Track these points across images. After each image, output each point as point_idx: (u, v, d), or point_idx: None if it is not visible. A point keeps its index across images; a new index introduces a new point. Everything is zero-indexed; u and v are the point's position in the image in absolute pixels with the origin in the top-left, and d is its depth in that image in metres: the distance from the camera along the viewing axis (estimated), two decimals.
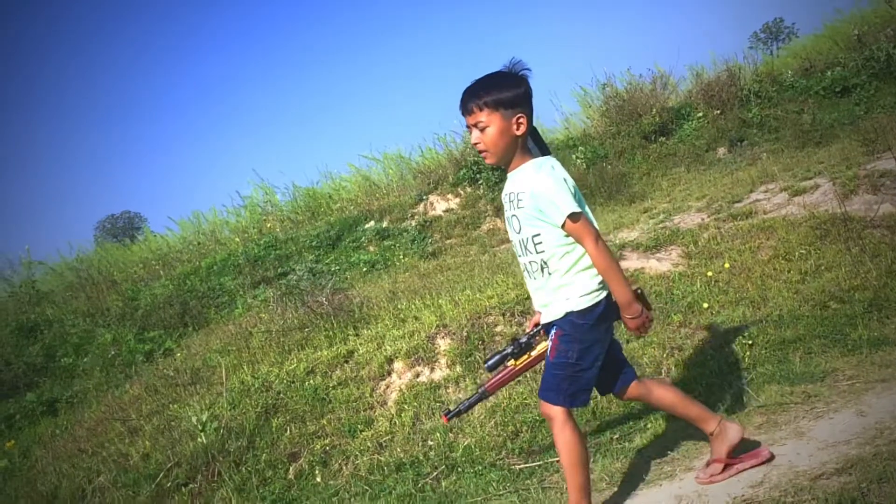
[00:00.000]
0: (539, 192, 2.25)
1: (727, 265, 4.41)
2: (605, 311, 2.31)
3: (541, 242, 2.30)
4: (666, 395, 2.51)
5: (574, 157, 8.31)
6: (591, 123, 9.69)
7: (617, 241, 5.29)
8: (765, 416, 2.82)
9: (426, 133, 19.42)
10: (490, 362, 2.51)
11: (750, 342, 3.48)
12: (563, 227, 2.23)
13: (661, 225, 5.60)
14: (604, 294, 2.31)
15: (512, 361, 2.53)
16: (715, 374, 3.32)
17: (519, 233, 2.36)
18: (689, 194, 6.58)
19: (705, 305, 4.04)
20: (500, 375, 2.58)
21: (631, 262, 4.85)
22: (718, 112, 8.58)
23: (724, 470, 2.45)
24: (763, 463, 2.44)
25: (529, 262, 2.36)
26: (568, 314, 2.29)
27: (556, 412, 2.32)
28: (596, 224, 2.33)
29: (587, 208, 2.33)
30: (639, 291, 2.45)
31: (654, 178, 7.88)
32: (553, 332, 2.35)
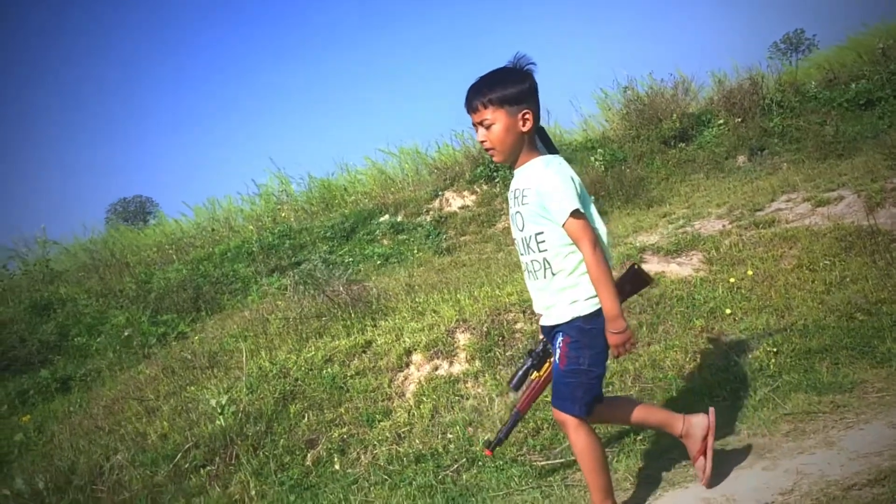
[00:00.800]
0: (544, 188, 2.22)
1: (750, 272, 4.37)
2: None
3: (544, 241, 2.25)
4: (628, 411, 2.46)
5: (592, 159, 8.27)
6: (609, 126, 9.65)
7: (637, 244, 5.26)
8: (792, 424, 2.79)
9: (443, 129, 19.34)
10: (514, 381, 2.47)
11: (775, 350, 3.45)
12: (563, 225, 2.19)
13: (681, 230, 5.57)
14: None
15: (535, 374, 2.50)
16: (739, 381, 3.29)
17: (522, 230, 2.32)
18: (708, 201, 6.54)
19: (728, 311, 4.01)
20: (528, 392, 2.55)
21: (652, 266, 4.82)
22: (739, 120, 8.53)
23: (705, 459, 2.44)
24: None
25: (531, 262, 2.31)
26: (574, 319, 2.24)
27: (569, 417, 2.28)
28: (603, 227, 2.29)
29: (592, 211, 2.28)
30: (636, 267, 2.42)
31: (673, 184, 7.84)
32: (560, 338, 2.29)
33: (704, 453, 2.43)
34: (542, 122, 2.42)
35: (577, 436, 2.30)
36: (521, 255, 2.37)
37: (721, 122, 8.62)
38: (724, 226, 5.44)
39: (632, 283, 2.49)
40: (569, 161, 2.37)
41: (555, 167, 2.25)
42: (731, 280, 4.34)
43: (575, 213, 2.17)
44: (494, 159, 2.36)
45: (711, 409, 2.48)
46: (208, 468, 3.39)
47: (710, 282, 4.42)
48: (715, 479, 2.46)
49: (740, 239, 4.96)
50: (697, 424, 2.45)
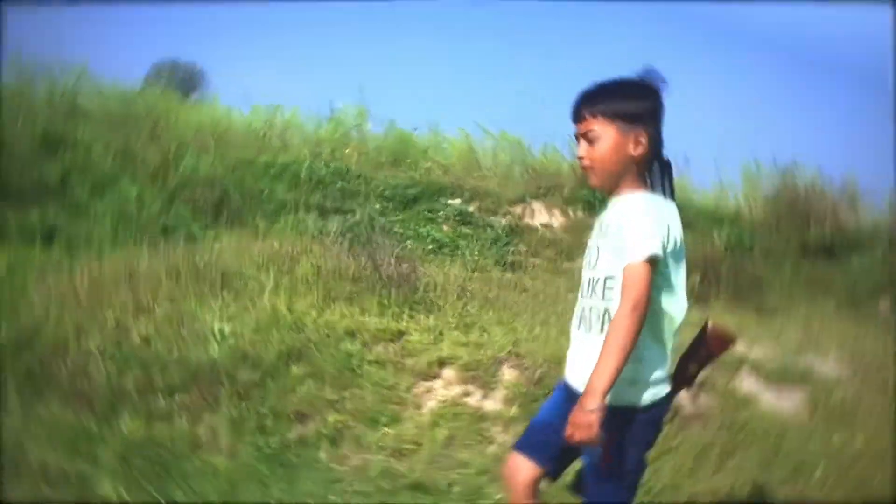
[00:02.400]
0: (633, 224, 2.07)
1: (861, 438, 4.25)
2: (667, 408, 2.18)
3: (612, 288, 2.09)
4: None
5: (715, 233, 8.13)
6: (746, 205, 9.47)
7: (737, 351, 5.16)
8: None
9: (560, 129, 18.87)
10: None
11: None
12: (625, 266, 2.01)
13: (789, 356, 5.46)
14: (669, 386, 2.15)
15: None
16: None
17: (594, 268, 2.18)
18: (830, 336, 6.38)
19: (817, 474, 3.90)
20: None
21: (745, 384, 4.75)
22: None
23: None
24: None
25: (590, 308, 2.17)
26: (632, 407, 2.09)
27: None
28: (684, 304, 2.13)
29: (679, 279, 2.13)
30: (710, 324, 2.24)
31: (795, 300, 7.67)
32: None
33: None
34: (675, 172, 2.30)
35: None
36: (581, 297, 2.23)
37: (879, 254, 8.38)
38: (840, 373, 5.32)
39: (708, 345, 2.27)
40: (687, 226, 2.22)
41: (655, 207, 2.12)
42: (834, 439, 4.23)
43: (648, 260, 1.99)
44: (590, 182, 2.24)
45: None
46: (182, 395, 3.44)
47: (807, 431, 4.32)
48: None
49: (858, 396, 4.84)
50: None
